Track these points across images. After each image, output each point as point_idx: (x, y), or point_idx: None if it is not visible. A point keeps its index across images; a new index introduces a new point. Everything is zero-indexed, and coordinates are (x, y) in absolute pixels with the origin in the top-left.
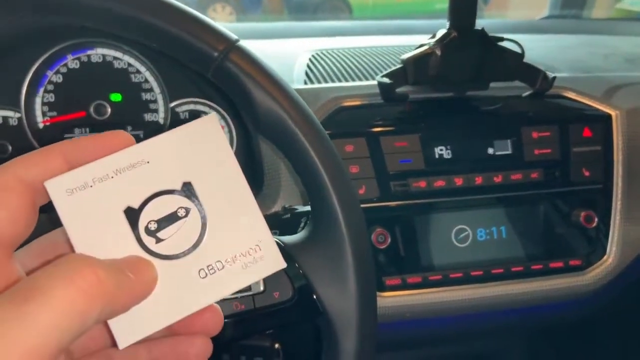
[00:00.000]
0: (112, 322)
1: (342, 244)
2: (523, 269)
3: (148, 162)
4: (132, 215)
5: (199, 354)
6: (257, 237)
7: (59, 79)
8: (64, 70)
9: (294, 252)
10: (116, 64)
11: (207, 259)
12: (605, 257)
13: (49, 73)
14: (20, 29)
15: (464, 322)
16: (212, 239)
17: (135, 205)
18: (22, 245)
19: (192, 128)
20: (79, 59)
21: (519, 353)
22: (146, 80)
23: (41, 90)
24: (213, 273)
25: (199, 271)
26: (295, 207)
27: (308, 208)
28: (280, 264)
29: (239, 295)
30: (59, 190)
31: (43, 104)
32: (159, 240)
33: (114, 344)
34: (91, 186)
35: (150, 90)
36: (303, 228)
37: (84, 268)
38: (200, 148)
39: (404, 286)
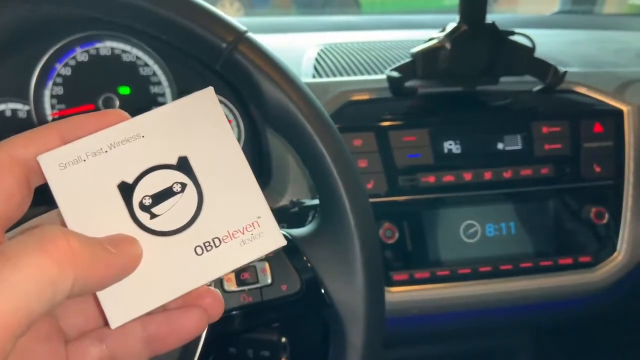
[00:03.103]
0: (104, 301)
1: (350, 237)
2: (532, 265)
3: (143, 137)
4: (126, 190)
5: (195, 327)
6: (255, 213)
7: (67, 71)
8: (72, 63)
9: (302, 245)
10: (124, 57)
11: (204, 236)
12: (615, 254)
13: (58, 66)
14: (29, 20)
15: (471, 318)
16: (208, 215)
17: (130, 180)
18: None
19: (188, 101)
20: (87, 52)
21: (527, 351)
22: (154, 74)
23: (50, 83)
24: (210, 250)
25: (195, 248)
26: (303, 200)
27: (316, 201)
28: (280, 241)
29: (246, 287)
30: (51, 164)
31: (52, 96)
32: (153, 215)
33: (107, 323)
34: (85, 160)
35: (159, 83)
36: (311, 221)
37: (57, 237)
38: (197, 122)
39: (412, 281)
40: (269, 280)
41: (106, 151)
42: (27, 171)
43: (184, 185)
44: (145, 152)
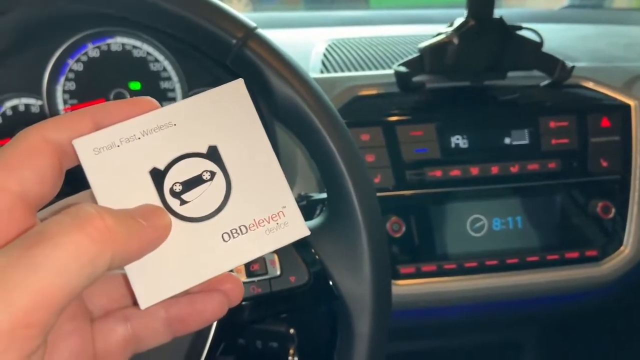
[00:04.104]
0: (134, 283)
1: (358, 230)
2: (538, 258)
3: (175, 125)
4: (158, 176)
5: (216, 310)
6: (281, 204)
7: (79, 67)
8: (84, 58)
9: (310, 238)
10: (135, 53)
11: (231, 223)
12: (621, 248)
13: (70, 61)
14: (41, 17)
15: (478, 311)
16: (236, 203)
17: (161, 166)
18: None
19: (219, 92)
20: (99, 47)
21: (532, 344)
22: (164, 69)
23: (62, 78)
24: (236, 237)
25: (223, 235)
26: (311, 194)
27: (324, 195)
28: (304, 231)
29: (255, 279)
30: (86, 149)
31: (64, 91)
32: (183, 202)
33: (132, 304)
34: (118, 146)
35: (169, 78)
36: (319, 215)
37: (94, 216)
38: (227, 112)
39: (419, 274)
40: (278, 272)
41: (139, 138)
42: (60, 154)
43: (213, 174)
44: (177, 140)
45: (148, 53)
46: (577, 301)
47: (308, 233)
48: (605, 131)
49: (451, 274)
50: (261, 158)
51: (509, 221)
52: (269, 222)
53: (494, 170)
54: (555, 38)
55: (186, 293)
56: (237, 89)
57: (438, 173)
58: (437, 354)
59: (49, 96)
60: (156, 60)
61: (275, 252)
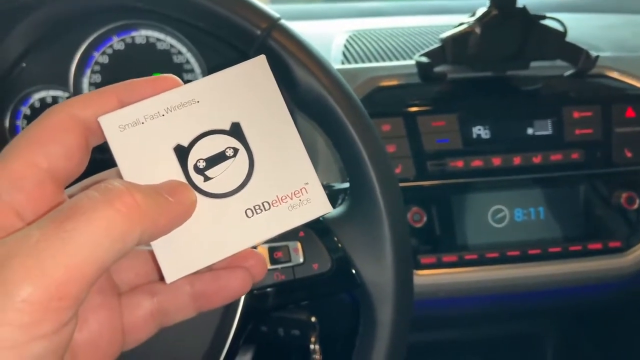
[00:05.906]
0: (160, 258)
1: (380, 218)
2: (561, 249)
3: (198, 102)
4: (182, 153)
5: (240, 285)
6: (303, 180)
7: (105, 59)
8: (109, 51)
9: (333, 226)
10: (159, 45)
11: (254, 199)
12: None
13: (96, 54)
14: (69, 11)
15: (499, 302)
16: (259, 180)
17: (185, 143)
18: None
19: (242, 69)
20: (123, 40)
21: (553, 336)
22: (187, 62)
23: (88, 71)
24: (260, 213)
25: (246, 211)
26: (333, 184)
27: (345, 185)
28: (326, 207)
29: (279, 266)
30: (111, 125)
31: (90, 84)
32: (207, 178)
33: (159, 279)
34: (143, 123)
35: (192, 71)
36: (340, 204)
37: (123, 192)
38: (250, 89)
39: (440, 265)
40: (301, 260)
41: (163, 115)
42: (86, 131)
43: (236, 150)
44: (200, 117)
45: (171, 45)
46: (600, 293)
47: (331, 209)
48: (630, 121)
49: (472, 264)
50: (284, 135)
51: (531, 212)
52: (291, 199)
53: (516, 160)
54: (579, 27)
55: (211, 269)
56: (259, 65)
57: (459, 163)
58: (457, 345)
59: (76, 88)
60: (179, 53)
61: (299, 240)
